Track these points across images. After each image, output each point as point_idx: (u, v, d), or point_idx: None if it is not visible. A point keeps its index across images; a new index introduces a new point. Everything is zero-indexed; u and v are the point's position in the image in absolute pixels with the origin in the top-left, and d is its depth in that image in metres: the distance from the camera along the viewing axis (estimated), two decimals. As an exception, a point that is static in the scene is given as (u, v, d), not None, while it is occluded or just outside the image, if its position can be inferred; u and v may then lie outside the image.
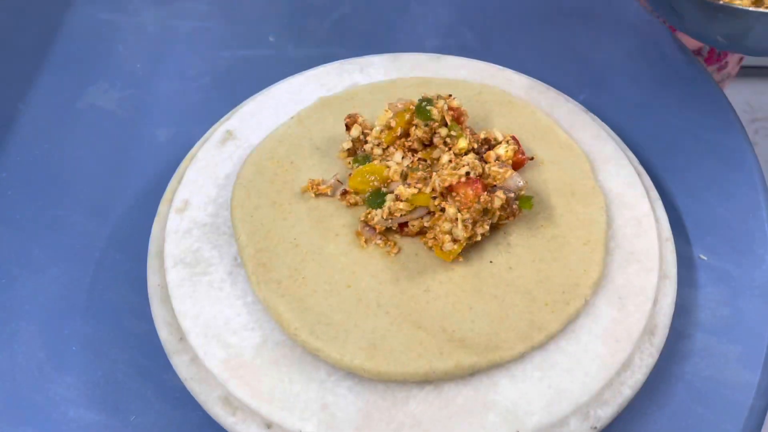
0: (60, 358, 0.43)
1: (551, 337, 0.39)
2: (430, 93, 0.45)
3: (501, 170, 0.42)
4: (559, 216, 0.44)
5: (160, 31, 0.64)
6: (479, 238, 0.41)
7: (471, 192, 0.40)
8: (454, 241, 0.40)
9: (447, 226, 0.41)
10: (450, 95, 0.45)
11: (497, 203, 0.41)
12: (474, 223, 0.41)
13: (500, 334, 0.39)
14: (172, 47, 0.62)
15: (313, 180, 0.45)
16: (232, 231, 0.44)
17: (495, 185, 0.42)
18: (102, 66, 0.60)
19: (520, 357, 0.39)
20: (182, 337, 0.40)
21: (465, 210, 0.40)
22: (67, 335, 0.44)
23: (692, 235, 0.49)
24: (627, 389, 0.39)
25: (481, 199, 0.40)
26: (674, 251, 0.45)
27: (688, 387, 0.43)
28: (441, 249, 0.41)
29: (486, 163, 0.43)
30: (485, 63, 0.55)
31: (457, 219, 0.40)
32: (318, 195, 0.45)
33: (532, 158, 0.46)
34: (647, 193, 0.47)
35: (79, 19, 0.64)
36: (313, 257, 0.42)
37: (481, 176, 0.42)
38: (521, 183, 0.42)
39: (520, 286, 0.41)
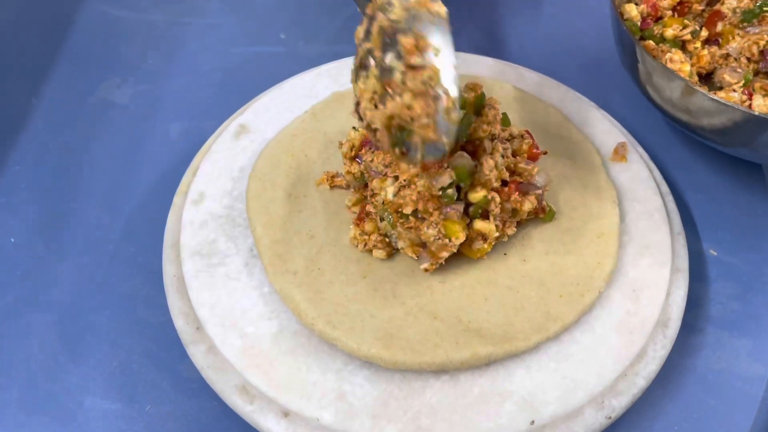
0: (75, 348, 0.43)
1: (566, 328, 0.40)
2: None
3: (528, 167, 0.42)
4: (572, 209, 0.45)
5: (172, 27, 0.64)
6: (506, 239, 0.42)
7: (503, 194, 0.41)
8: (484, 239, 0.41)
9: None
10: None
11: (527, 207, 0.41)
12: (504, 223, 0.41)
13: (515, 324, 0.39)
14: (183, 44, 0.63)
15: (328, 172, 0.45)
16: (247, 223, 0.44)
17: (521, 181, 0.42)
18: (115, 62, 0.60)
19: (536, 347, 0.39)
20: (199, 327, 0.40)
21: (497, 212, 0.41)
22: (83, 326, 0.44)
23: (702, 230, 0.50)
24: (641, 380, 0.39)
25: (511, 199, 0.41)
26: (686, 245, 0.45)
27: (700, 379, 0.43)
28: (470, 247, 0.41)
29: (515, 156, 0.43)
30: (496, 60, 0.56)
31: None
32: (333, 187, 0.45)
33: (545, 152, 0.47)
34: (658, 187, 0.48)
35: (92, 16, 0.64)
36: (328, 248, 0.42)
37: (513, 173, 0.42)
38: (546, 179, 0.43)
39: (535, 277, 0.41)
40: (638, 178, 0.48)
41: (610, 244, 0.43)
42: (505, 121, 0.44)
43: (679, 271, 0.44)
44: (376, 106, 0.35)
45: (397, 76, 0.34)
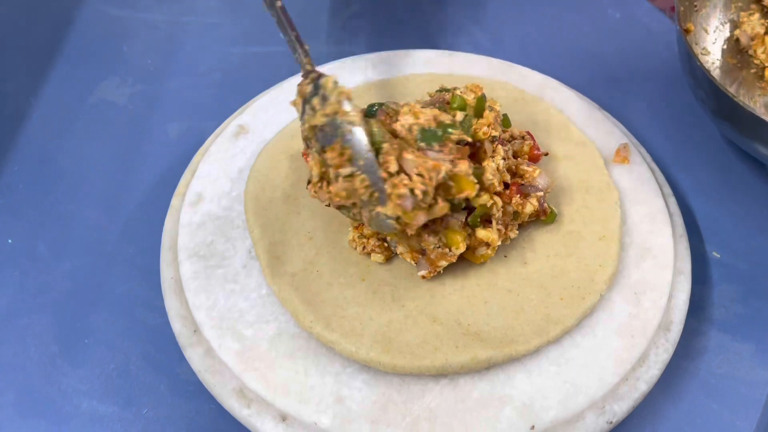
0: (73, 351, 0.43)
1: (567, 332, 0.39)
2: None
3: (529, 169, 0.42)
4: (574, 211, 0.44)
5: (171, 27, 0.64)
6: (508, 242, 0.42)
7: (505, 197, 0.41)
8: (487, 245, 0.40)
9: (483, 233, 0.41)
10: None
11: (529, 209, 0.41)
12: (505, 226, 0.41)
13: (516, 328, 0.39)
14: (183, 43, 0.62)
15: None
16: (245, 224, 0.44)
17: (522, 183, 0.42)
18: (113, 61, 0.60)
19: (536, 351, 0.39)
20: (196, 330, 0.40)
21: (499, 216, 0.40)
22: (80, 328, 0.44)
23: (705, 233, 0.49)
24: (642, 384, 0.39)
25: (513, 202, 0.40)
26: (688, 247, 0.45)
27: (702, 383, 0.43)
28: (473, 253, 0.41)
29: (516, 158, 0.43)
30: (498, 60, 0.55)
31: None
32: (332, 189, 0.45)
33: (546, 154, 0.46)
34: (660, 189, 0.47)
35: (91, 15, 0.64)
36: (327, 250, 0.42)
37: (514, 175, 0.42)
38: (548, 181, 0.43)
39: (536, 280, 0.41)
40: (640, 180, 0.47)
41: (611, 246, 0.42)
42: (506, 123, 0.44)
43: (682, 274, 0.44)
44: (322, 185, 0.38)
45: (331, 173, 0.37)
